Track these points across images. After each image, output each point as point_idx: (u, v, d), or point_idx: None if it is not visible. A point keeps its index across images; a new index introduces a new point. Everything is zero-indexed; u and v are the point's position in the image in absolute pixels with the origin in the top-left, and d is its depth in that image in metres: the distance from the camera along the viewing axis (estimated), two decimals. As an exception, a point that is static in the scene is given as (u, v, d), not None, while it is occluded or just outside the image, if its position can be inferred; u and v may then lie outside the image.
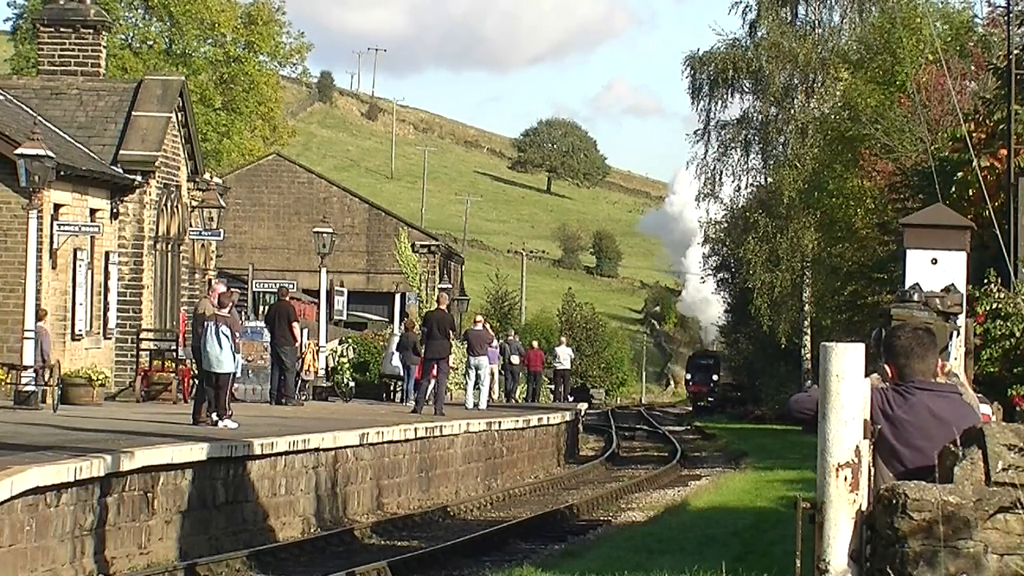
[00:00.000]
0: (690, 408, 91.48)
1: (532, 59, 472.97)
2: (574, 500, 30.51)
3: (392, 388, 45.84)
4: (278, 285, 42.67)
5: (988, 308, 18.09)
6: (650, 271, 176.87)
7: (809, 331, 64.92)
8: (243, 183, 69.14)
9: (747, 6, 69.26)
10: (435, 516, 26.64)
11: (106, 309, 36.85)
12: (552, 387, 59.43)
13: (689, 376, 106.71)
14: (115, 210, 37.51)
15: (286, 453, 22.67)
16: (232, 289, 33.43)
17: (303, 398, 37.86)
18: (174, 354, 35.60)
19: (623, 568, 15.86)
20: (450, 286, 70.25)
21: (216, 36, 72.80)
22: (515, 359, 53.31)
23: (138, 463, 18.30)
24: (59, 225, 34.03)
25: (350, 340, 48.49)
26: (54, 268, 34.02)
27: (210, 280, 39.59)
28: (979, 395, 10.82)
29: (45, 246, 32.74)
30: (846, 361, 7.99)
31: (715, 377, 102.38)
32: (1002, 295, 18.37)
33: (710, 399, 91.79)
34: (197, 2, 70.93)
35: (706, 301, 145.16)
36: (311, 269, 57.78)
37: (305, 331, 38.41)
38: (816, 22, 68.58)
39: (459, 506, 28.33)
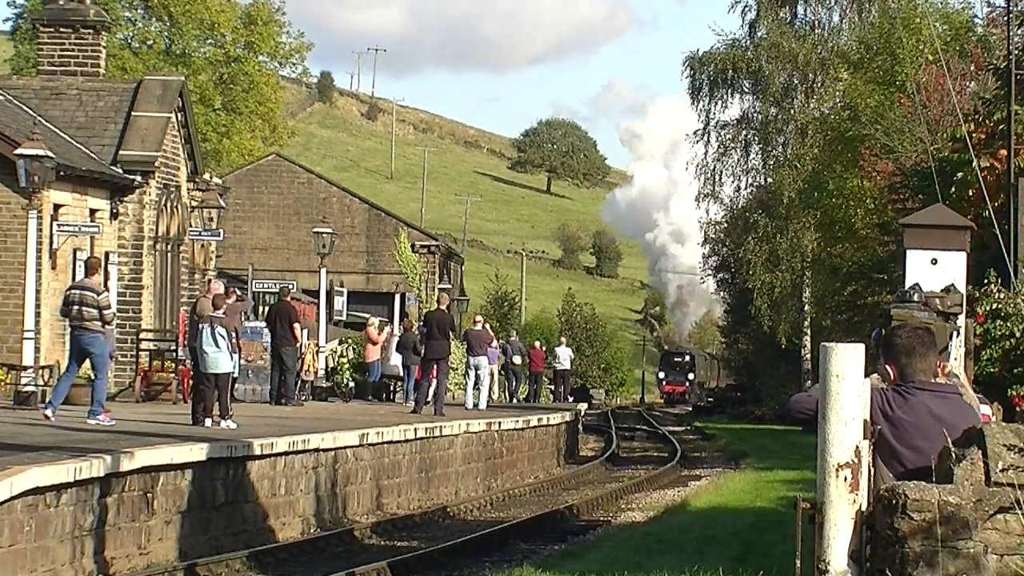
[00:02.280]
0: (690, 408, 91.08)
1: (532, 59, 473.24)
2: (574, 500, 30.49)
3: (392, 388, 45.85)
4: (279, 286, 42.66)
5: (988, 308, 18.08)
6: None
7: (809, 331, 64.90)
8: (243, 183, 69.14)
9: (746, 6, 69.29)
10: (435, 516, 26.64)
11: (106, 309, 36.81)
12: (552, 387, 59.45)
13: (662, 375, 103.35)
14: (115, 210, 37.51)
15: (286, 453, 22.67)
16: (234, 290, 33.43)
17: (303, 398, 37.85)
18: (174, 354, 35.58)
19: (623, 568, 15.84)
20: (450, 286, 70.24)
21: (216, 36, 72.76)
22: (517, 360, 53.34)
23: (138, 463, 18.29)
24: (59, 225, 34.04)
25: (350, 340, 48.45)
26: (54, 268, 34.02)
27: (209, 280, 39.60)
28: (979, 395, 10.81)
29: (45, 246, 32.75)
30: (846, 361, 7.99)
31: (691, 376, 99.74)
32: (1002, 295, 18.36)
33: (708, 399, 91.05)
34: (197, 2, 70.90)
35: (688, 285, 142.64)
36: (311, 269, 57.77)
37: (305, 331, 38.42)
38: (816, 22, 68.59)
39: (459, 506, 28.33)
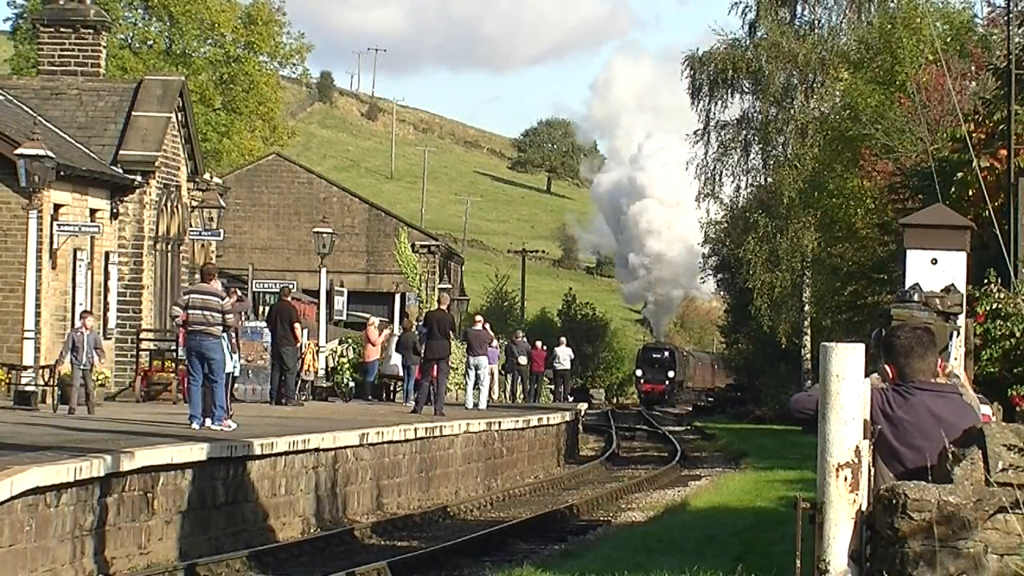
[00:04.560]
0: (690, 408, 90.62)
1: (532, 59, 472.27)
2: (574, 500, 30.50)
3: (392, 388, 45.85)
4: (279, 286, 42.66)
5: (988, 308, 18.06)
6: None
7: (809, 331, 64.87)
8: (243, 183, 69.13)
9: (746, 6, 69.25)
10: (435, 516, 26.64)
11: (106, 309, 36.85)
12: (552, 387, 59.45)
13: (640, 373, 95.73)
14: (115, 210, 37.52)
15: (286, 453, 22.67)
16: (234, 290, 33.45)
17: (303, 398, 37.85)
18: (174, 354, 35.57)
19: (623, 568, 15.85)
20: (450, 286, 70.24)
21: (216, 36, 72.74)
22: (523, 360, 53.31)
23: (138, 463, 18.29)
24: (59, 225, 34.04)
25: (350, 340, 48.46)
26: (54, 268, 34.03)
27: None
28: (979, 395, 10.81)
29: (45, 246, 32.75)
30: (846, 361, 8.00)
31: (671, 374, 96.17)
32: (1002, 295, 18.35)
33: (708, 399, 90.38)
34: (197, 2, 70.88)
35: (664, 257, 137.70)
36: (311, 269, 57.78)
37: (305, 331, 38.42)
38: (815, 22, 68.56)
39: (459, 506, 28.33)
